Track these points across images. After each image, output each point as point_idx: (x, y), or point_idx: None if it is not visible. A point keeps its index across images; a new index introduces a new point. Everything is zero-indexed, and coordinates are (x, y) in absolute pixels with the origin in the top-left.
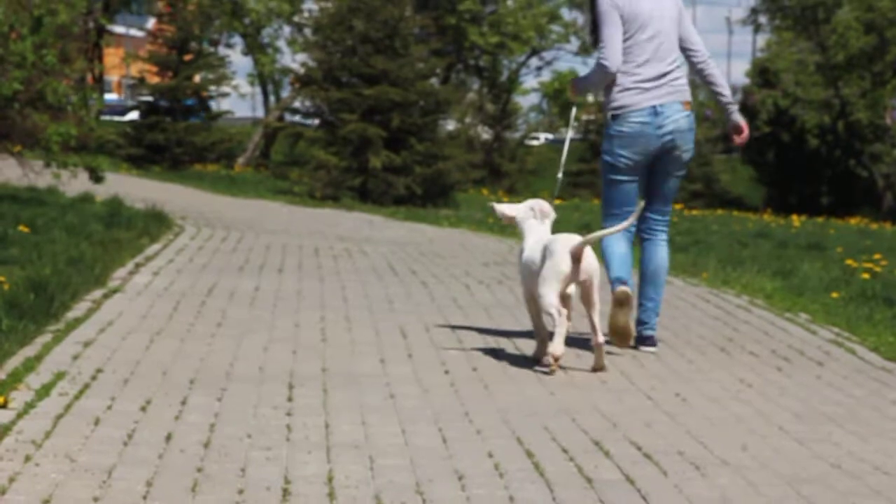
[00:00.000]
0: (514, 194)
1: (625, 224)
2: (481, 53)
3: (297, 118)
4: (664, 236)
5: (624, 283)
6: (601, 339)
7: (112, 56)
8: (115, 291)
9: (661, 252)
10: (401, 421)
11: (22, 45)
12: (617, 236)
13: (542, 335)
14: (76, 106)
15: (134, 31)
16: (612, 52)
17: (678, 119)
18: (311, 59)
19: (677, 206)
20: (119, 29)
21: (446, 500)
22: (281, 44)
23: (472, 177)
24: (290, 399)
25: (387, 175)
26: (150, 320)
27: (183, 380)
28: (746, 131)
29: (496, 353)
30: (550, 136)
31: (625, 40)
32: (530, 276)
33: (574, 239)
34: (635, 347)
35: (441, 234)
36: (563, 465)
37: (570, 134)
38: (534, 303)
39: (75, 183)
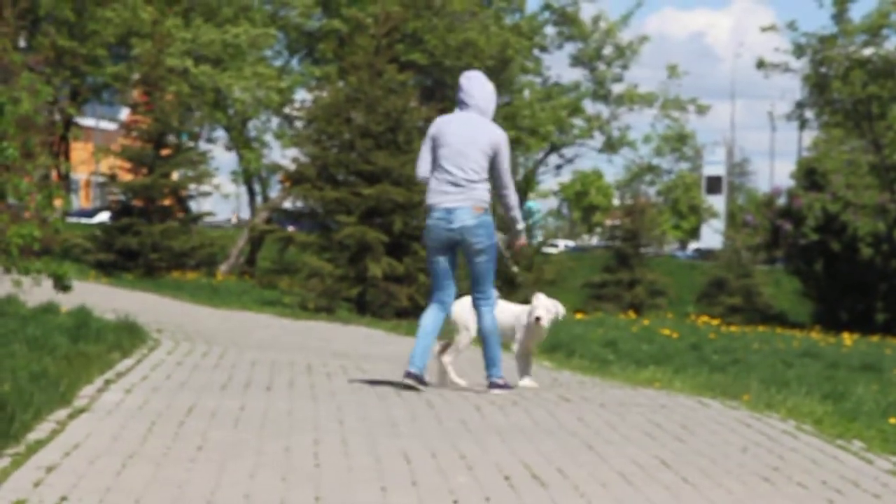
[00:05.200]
0: None
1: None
2: None
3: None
4: (488, 309)
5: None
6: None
7: (80, 150)
8: (81, 411)
9: (486, 321)
10: None
11: None
12: (426, 333)
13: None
14: (40, 205)
15: (105, 124)
16: (418, 163)
17: (465, 219)
18: (303, 155)
19: (714, 322)
20: (88, 121)
21: None
22: (269, 138)
23: None
24: None
25: (388, 284)
26: (122, 443)
27: None
28: (522, 242)
29: (511, 483)
30: (571, 244)
31: (435, 157)
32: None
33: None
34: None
35: None
36: None
37: None
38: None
39: (38, 291)
